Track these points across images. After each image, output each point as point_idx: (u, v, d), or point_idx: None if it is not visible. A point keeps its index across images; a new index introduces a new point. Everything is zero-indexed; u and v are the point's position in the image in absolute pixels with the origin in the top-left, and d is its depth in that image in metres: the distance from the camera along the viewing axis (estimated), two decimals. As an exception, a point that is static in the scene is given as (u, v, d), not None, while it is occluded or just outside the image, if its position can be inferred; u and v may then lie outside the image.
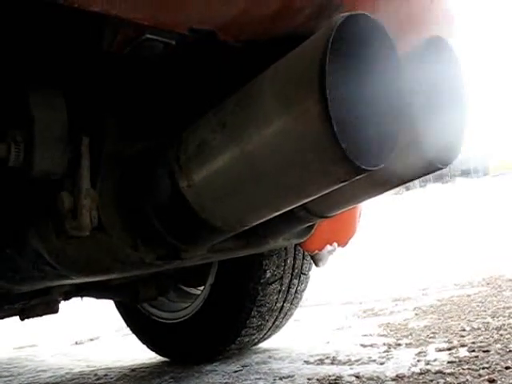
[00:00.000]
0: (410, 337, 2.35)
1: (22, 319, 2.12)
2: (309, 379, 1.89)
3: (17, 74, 1.04)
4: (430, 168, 1.10)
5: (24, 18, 0.90)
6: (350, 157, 0.82)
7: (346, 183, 0.90)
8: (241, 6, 0.92)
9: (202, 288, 2.38)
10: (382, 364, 1.97)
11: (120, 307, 2.70)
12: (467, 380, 1.65)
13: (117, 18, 0.82)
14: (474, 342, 2.05)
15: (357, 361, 2.07)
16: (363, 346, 2.31)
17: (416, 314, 2.86)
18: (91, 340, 3.65)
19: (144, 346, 2.62)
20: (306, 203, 1.13)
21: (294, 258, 2.20)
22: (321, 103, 0.80)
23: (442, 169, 1.11)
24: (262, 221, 1.07)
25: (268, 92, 0.89)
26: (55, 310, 2.18)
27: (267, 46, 1.01)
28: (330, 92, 0.80)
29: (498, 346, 1.95)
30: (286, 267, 2.18)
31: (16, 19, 0.90)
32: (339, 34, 0.83)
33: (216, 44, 0.98)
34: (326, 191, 0.94)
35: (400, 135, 0.92)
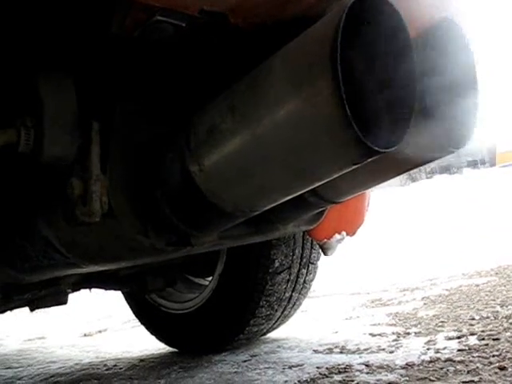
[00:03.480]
0: (418, 326, 2.35)
1: (31, 310, 2.13)
2: (318, 368, 1.88)
3: (26, 58, 1.03)
4: (442, 151, 1.10)
5: (34, 2, 0.89)
6: (363, 138, 0.81)
7: (358, 166, 0.90)
8: (252, -12, 0.91)
9: (210, 278, 2.38)
10: (391, 352, 1.97)
11: (128, 298, 2.70)
12: (477, 367, 1.64)
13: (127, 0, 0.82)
14: (483, 331, 2.04)
15: (366, 350, 2.06)
16: (372, 335, 2.31)
17: (424, 304, 2.85)
18: (100, 332, 3.66)
19: (153, 337, 2.62)
20: (316, 188, 1.12)
21: (303, 248, 2.19)
22: (333, 84, 0.79)
23: (453, 152, 1.10)
24: (272, 205, 1.06)
25: (279, 74, 0.88)
26: (64, 301, 2.19)
27: (277, 28, 1.01)
28: (342, 73, 0.79)
29: (508, 334, 1.94)
30: (295, 257, 2.18)
31: (26, 3, 0.90)
32: (350, 15, 0.82)
33: (226, 26, 0.97)
34: (338, 174, 0.93)
35: (412, 117, 0.91)
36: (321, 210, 1.42)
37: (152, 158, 1.10)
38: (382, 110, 0.91)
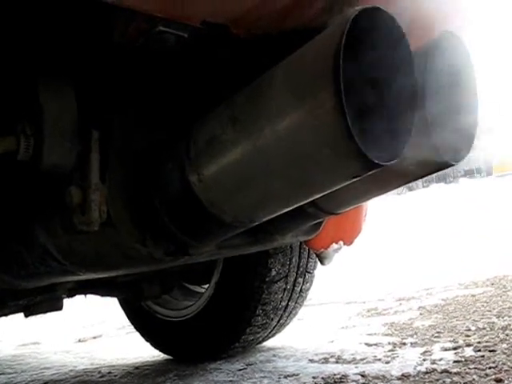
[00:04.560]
0: (415, 336, 2.34)
1: (26, 316, 2.12)
2: (314, 378, 1.88)
3: (27, 65, 1.03)
4: (442, 164, 1.09)
5: (35, 8, 0.89)
6: (364, 151, 0.81)
7: (358, 178, 0.90)
8: (254, 0, 0.91)
9: (206, 286, 2.38)
10: (387, 363, 1.96)
11: (124, 305, 2.69)
12: (474, 379, 1.64)
13: (129, 10, 0.82)
14: (479, 342, 2.04)
15: (362, 360, 2.06)
16: (368, 345, 2.30)
17: (421, 314, 2.85)
18: (94, 338, 3.64)
19: (148, 344, 2.61)
20: (315, 199, 1.12)
21: (299, 257, 2.19)
22: (335, 97, 0.79)
23: (453, 165, 1.10)
24: (272, 216, 1.06)
25: (281, 85, 0.88)
26: (59, 307, 2.18)
27: (279, 39, 1.01)
28: (344, 86, 0.79)
29: (504, 345, 1.94)
30: (291, 266, 2.18)
31: (27, 9, 0.89)
32: (353, 28, 0.82)
33: (228, 37, 0.97)
34: (338, 186, 0.93)
35: (412, 130, 0.91)
36: (319, 220, 1.42)
37: (151, 166, 1.10)
38: (383, 122, 0.91)
